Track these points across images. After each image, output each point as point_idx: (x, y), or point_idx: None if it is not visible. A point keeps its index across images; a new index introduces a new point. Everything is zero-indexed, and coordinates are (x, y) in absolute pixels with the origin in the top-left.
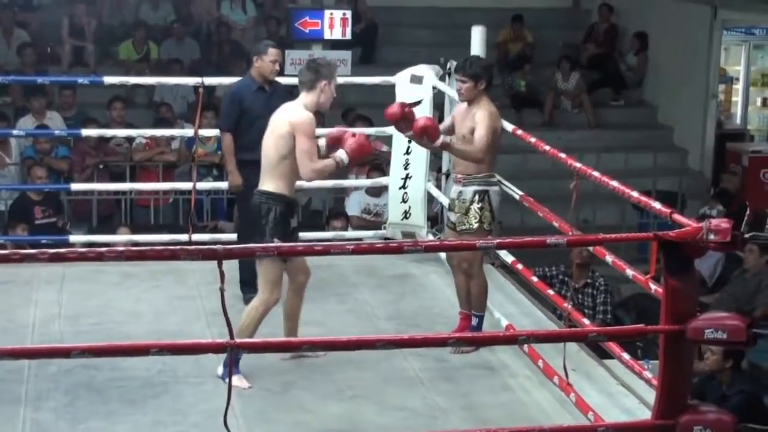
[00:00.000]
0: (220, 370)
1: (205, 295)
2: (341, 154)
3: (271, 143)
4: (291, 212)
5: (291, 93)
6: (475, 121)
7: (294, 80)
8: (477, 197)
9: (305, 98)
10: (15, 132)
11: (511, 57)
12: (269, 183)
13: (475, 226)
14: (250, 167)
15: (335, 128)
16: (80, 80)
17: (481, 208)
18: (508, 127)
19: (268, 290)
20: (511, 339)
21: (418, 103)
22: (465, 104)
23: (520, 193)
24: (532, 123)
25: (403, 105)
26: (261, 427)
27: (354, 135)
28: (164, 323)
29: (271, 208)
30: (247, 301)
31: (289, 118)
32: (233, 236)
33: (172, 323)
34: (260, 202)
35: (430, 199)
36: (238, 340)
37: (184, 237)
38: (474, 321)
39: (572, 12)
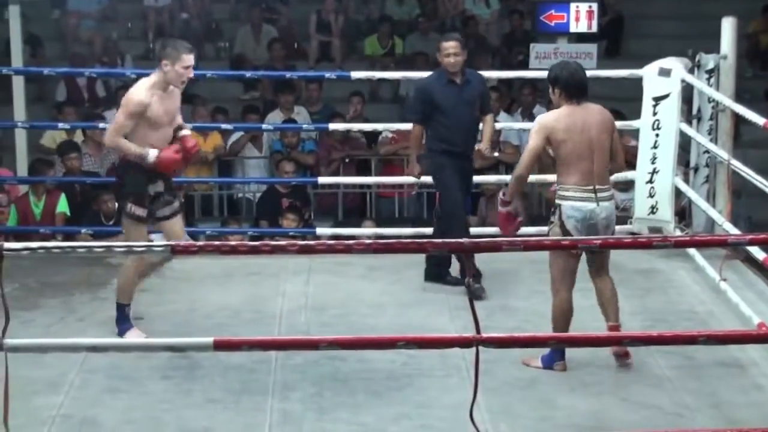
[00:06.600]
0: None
1: (449, 289)
2: (151, 153)
3: None
4: (149, 178)
5: (484, 83)
6: None
7: (540, 74)
8: (552, 209)
9: (154, 75)
10: (264, 126)
11: (762, 48)
12: None
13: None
14: (448, 157)
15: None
16: (327, 75)
17: (551, 223)
18: (759, 121)
19: None
20: (763, 337)
21: None
22: None
23: None
24: None
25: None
26: (506, 422)
27: (186, 148)
28: (408, 316)
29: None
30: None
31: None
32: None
33: (416, 316)
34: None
35: (678, 194)
36: (483, 335)
37: (428, 230)
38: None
39: None
